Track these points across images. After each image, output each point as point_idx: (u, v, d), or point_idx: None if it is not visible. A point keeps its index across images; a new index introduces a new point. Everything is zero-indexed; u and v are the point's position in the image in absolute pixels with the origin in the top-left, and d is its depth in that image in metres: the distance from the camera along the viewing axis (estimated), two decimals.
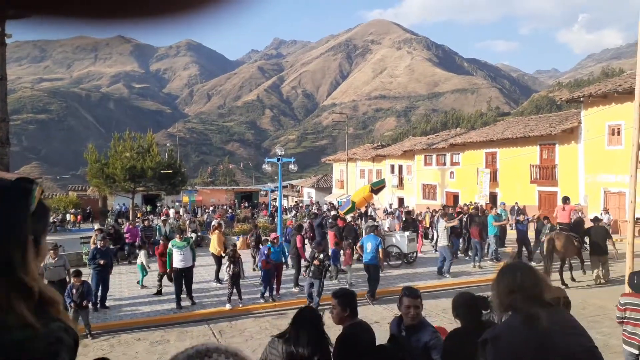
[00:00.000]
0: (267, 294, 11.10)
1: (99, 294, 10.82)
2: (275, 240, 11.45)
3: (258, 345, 8.28)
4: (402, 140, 55.45)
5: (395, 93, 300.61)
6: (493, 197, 25.79)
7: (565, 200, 13.76)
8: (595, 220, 12.10)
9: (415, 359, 3.47)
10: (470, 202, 23.79)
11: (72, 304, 8.67)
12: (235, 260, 10.72)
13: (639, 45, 7.99)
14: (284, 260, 11.85)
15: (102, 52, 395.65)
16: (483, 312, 3.46)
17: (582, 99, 21.65)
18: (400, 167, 36.30)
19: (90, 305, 9.35)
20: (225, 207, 36.54)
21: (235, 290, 10.73)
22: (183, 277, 10.70)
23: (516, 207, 21.33)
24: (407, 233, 14.90)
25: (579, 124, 21.88)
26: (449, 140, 30.60)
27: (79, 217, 33.55)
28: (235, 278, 10.66)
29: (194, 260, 10.91)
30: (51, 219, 31.74)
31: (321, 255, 10.14)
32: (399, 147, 38.79)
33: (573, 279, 11.97)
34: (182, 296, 10.78)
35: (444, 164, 31.20)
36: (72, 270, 9.66)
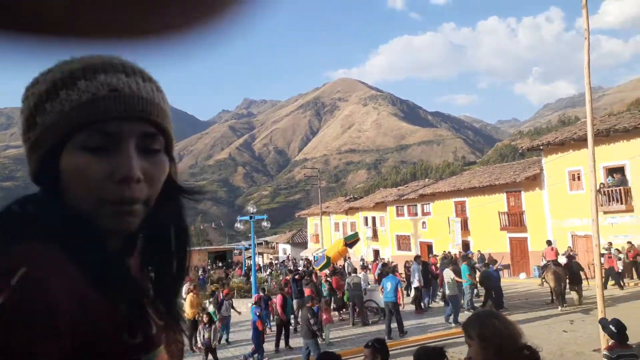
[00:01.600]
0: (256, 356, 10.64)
1: None
2: (258, 300, 11.25)
3: None
4: (373, 192, 56.13)
5: (365, 147, 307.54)
6: (465, 245, 26.04)
7: (549, 243, 18.16)
8: (570, 257, 14.98)
9: None
10: (444, 251, 23.96)
11: None
12: (209, 325, 10.41)
13: (587, 97, 8.54)
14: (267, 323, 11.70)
15: None
16: None
17: (542, 147, 22.61)
18: (374, 218, 36.51)
19: None
20: (195, 268, 35.60)
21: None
22: None
23: (484, 254, 21.50)
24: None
25: (541, 171, 22.71)
26: (419, 191, 31.14)
27: None
28: (209, 344, 10.29)
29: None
30: None
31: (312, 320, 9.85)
32: (370, 199, 39.19)
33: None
34: None
35: (416, 214, 31.57)
36: None
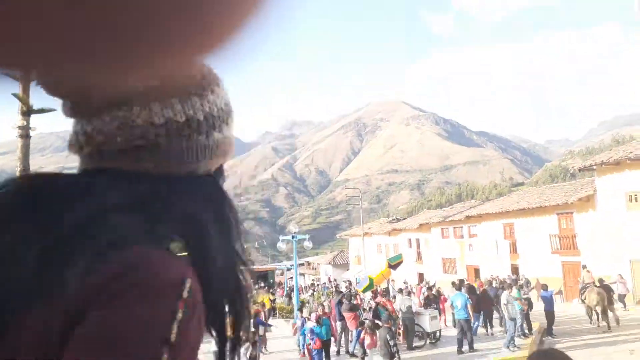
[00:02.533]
0: None
1: None
2: (319, 319, 11.28)
3: None
4: (417, 213, 55.29)
5: (407, 167, 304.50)
6: (514, 269, 25.10)
7: (584, 267, 19.72)
8: (600, 281, 15.65)
9: None
10: (491, 275, 23.17)
11: None
12: (254, 343, 10.54)
13: None
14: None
15: None
16: None
17: (594, 167, 21.66)
18: (418, 240, 35.85)
19: None
20: None
21: None
22: None
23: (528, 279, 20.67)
24: (429, 310, 14.40)
25: (595, 192, 21.72)
26: (465, 213, 30.41)
27: None
28: None
29: None
30: None
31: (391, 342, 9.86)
32: (414, 220, 38.58)
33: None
34: None
35: (462, 236, 30.78)
36: None
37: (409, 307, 13.69)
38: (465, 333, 12.57)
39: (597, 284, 15.13)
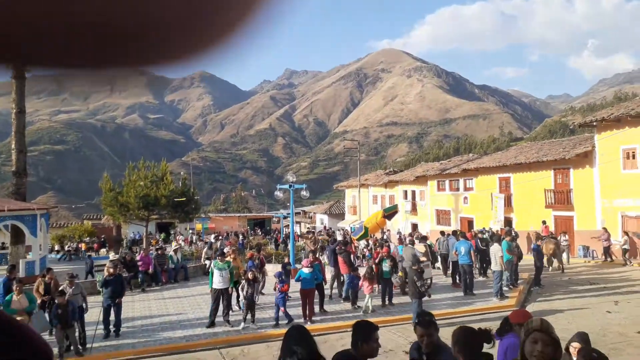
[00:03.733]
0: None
1: (113, 320, 10.87)
2: (309, 265, 11.59)
3: None
4: (414, 166, 55.39)
5: (407, 120, 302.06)
6: (508, 222, 25.49)
7: (544, 222, 22.19)
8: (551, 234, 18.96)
9: None
10: (484, 228, 23.54)
11: (58, 325, 9.06)
12: (253, 282, 11.00)
13: None
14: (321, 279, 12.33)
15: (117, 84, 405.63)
16: (486, 345, 3.36)
17: (595, 123, 21.53)
18: (413, 192, 36.14)
19: (77, 326, 9.52)
20: (236, 234, 36.51)
21: (249, 315, 11.03)
22: (221, 298, 11.20)
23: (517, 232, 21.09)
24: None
25: (593, 148, 21.70)
26: (462, 166, 30.49)
27: (95, 245, 33.77)
28: (252, 299, 10.93)
29: (231, 283, 11.44)
30: (66, 248, 32.00)
31: (419, 282, 10.35)
32: (411, 172, 38.71)
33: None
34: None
35: (457, 189, 31.02)
36: (58, 291, 9.99)
37: (414, 256, 13.99)
38: (467, 277, 13.51)
39: (554, 236, 17.74)
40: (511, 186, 26.66)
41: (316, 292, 12.01)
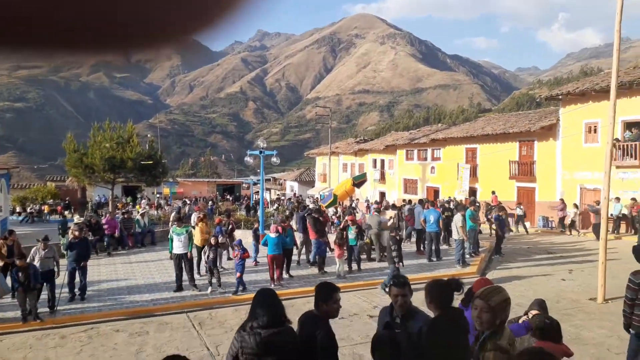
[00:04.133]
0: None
1: (78, 284, 10.76)
2: (276, 230, 11.78)
3: None
4: (384, 135, 55.72)
5: (379, 88, 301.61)
6: (473, 192, 26.15)
7: (493, 192, 23.28)
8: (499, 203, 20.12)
9: (412, 344, 3.48)
10: (449, 197, 24.12)
11: (19, 288, 8.96)
12: (215, 247, 11.17)
13: (615, 46, 8.19)
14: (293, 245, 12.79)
15: None
16: (456, 294, 3.58)
17: (560, 97, 22.04)
18: (383, 161, 36.50)
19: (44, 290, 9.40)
20: (205, 199, 36.29)
21: (215, 279, 11.20)
22: (182, 262, 11.23)
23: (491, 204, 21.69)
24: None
25: (557, 122, 22.28)
26: (431, 136, 30.87)
27: (59, 207, 32.94)
28: (214, 264, 11.09)
29: (190, 247, 11.33)
30: (28, 210, 31.13)
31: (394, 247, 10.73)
32: (381, 141, 38.98)
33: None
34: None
35: (425, 159, 31.48)
36: (19, 254, 9.80)
37: (379, 223, 14.37)
38: (434, 244, 14.15)
39: (502, 207, 17.85)
40: (477, 157, 27.23)
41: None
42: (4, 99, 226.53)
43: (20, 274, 8.92)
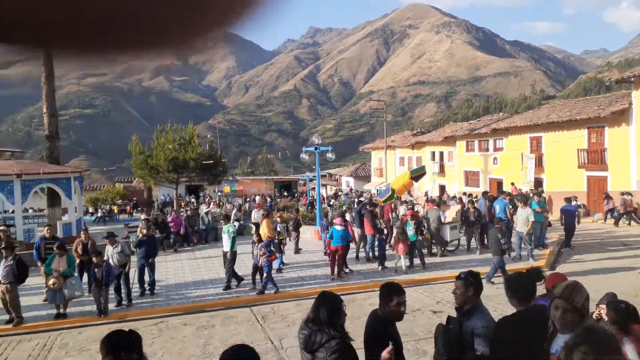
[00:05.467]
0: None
1: (147, 280, 11.29)
2: (342, 223, 11.90)
3: None
4: (442, 126, 54.39)
5: (435, 78, 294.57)
6: (538, 183, 24.99)
7: (512, 184, 23.69)
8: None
9: (462, 342, 3.44)
10: (513, 187, 23.18)
11: (94, 283, 9.49)
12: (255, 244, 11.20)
13: None
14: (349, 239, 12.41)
15: None
16: (537, 284, 3.49)
17: (632, 79, 20.52)
18: (441, 153, 35.64)
19: (111, 286, 9.83)
20: (264, 196, 36.99)
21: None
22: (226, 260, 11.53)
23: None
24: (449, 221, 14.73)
25: (630, 106, 20.78)
26: (492, 126, 29.77)
27: (127, 207, 34.80)
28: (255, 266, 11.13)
29: (231, 247, 11.40)
30: (100, 210, 33.10)
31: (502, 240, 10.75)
32: (439, 133, 38.07)
33: None
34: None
35: (487, 149, 30.42)
36: (94, 251, 10.29)
37: (439, 218, 14.10)
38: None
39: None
40: (542, 146, 25.96)
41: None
42: (75, 106, 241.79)
43: (96, 270, 9.50)
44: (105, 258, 10.17)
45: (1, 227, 14.83)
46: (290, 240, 15.18)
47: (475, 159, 31.41)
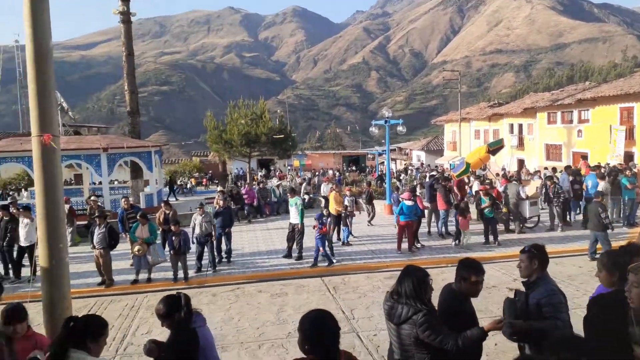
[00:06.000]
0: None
1: (224, 248, 11.81)
2: (410, 198, 11.74)
3: (371, 302, 8.41)
4: (521, 97, 51.37)
5: (514, 46, 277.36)
6: (628, 157, 23.02)
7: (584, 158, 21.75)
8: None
9: (526, 314, 3.41)
10: (598, 163, 21.51)
11: (171, 251, 10.05)
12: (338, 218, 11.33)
13: None
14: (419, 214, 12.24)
15: (214, 24, 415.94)
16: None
17: None
18: (520, 126, 33.75)
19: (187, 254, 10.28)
20: (333, 171, 37.10)
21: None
22: (294, 231, 11.67)
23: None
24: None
25: None
26: (577, 96, 27.63)
27: (204, 180, 36.42)
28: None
29: (300, 219, 11.52)
30: (178, 182, 34.87)
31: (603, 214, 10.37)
32: (518, 104, 35.97)
33: None
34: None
35: (571, 121, 28.37)
36: (174, 221, 10.90)
37: (517, 193, 13.51)
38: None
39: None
40: (635, 117, 23.77)
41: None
42: (152, 83, 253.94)
43: (174, 239, 10.04)
44: (192, 226, 10.90)
45: (92, 198, 16.08)
46: (359, 213, 15.16)
47: (557, 131, 29.44)
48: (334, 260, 10.99)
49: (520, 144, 33.24)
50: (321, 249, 10.87)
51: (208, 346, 3.31)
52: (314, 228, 10.97)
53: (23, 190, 25.73)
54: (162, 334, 4.49)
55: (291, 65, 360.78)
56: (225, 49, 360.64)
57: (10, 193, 24.60)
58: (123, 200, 12.91)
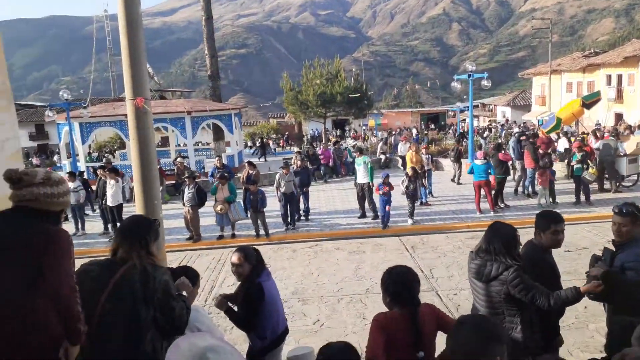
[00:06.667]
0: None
1: (302, 207, 12.12)
2: (483, 157, 11.32)
3: (452, 262, 8.30)
4: (621, 44, 46.36)
5: None
6: None
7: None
8: None
9: (610, 279, 3.16)
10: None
11: (250, 209, 10.55)
12: (412, 179, 11.02)
13: None
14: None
15: None
16: None
17: None
18: (619, 77, 30.61)
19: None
20: (409, 129, 36.25)
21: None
22: (363, 191, 11.69)
23: None
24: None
25: None
26: None
27: (281, 141, 37.23)
28: (412, 194, 11.05)
29: (370, 178, 11.52)
30: (257, 144, 35.93)
31: None
32: (618, 52, 32.51)
33: None
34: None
35: None
36: (253, 180, 11.37)
37: (615, 149, 12.47)
38: None
39: None
40: None
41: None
42: (230, 47, 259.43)
43: (252, 198, 10.44)
44: (276, 185, 11.30)
45: (179, 159, 17.10)
46: (434, 169, 14.81)
47: None
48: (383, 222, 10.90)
49: (619, 96, 30.27)
50: (388, 207, 10.75)
51: (271, 299, 3.50)
52: (376, 191, 10.90)
53: (116, 152, 27.85)
54: None
55: (367, 20, 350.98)
56: (299, 7, 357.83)
57: (106, 155, 26.67)
58: (217, 159, 14.70)
